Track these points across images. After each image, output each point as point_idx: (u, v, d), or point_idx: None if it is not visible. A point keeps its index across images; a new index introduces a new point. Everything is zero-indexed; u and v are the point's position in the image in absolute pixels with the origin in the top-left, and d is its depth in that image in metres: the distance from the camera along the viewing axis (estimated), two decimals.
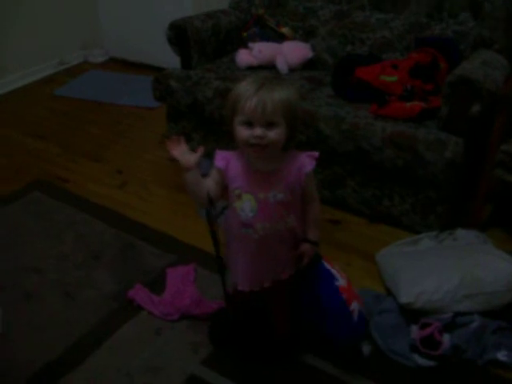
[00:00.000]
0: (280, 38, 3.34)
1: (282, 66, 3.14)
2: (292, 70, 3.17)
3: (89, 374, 2.03)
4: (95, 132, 3.81)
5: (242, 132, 1.68)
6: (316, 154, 1.79)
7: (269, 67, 3.19)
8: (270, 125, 1.65)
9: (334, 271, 2.00)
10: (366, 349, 2.08)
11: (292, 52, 3.20)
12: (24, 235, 2.76)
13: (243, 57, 3.22)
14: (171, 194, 3.09)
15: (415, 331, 2.09)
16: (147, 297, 2.31)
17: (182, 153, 1.71)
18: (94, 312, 2.30)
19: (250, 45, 3.22)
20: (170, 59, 3.64)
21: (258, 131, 1.65)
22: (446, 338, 2.05)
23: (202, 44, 3.31)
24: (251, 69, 3.18)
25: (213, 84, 2.95)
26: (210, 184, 1.79)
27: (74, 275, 2.50)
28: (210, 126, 3.12)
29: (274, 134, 1.66)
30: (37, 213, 2.92)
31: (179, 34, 3.23)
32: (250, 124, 1.67)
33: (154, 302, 2.29)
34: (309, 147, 2.69)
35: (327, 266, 1.98)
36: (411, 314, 2.16)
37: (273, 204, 1.77)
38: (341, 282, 1.98)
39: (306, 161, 1.79)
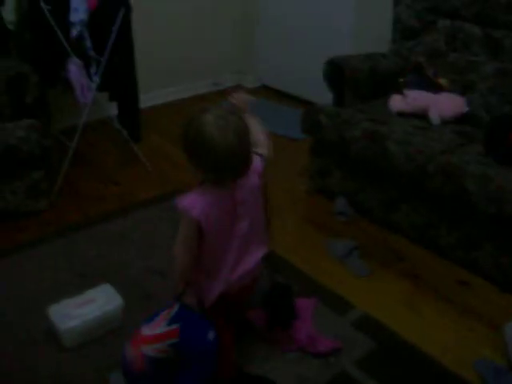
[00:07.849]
0: (435, 89, 3.28)
1: (434, 116, 3.08)
2: (444, 122, 3.10)
3: None
4: None
5: None
6: None
7: (420, 116, 3.14)
8: None
9: None
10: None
11: (447, 104, 3.13)
12: (156, 239, 2.89)
13: (397, 103, 3.21)
14: (302, 225, 3.11)
15: None
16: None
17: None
18: None
19: (405, 91, 3.19)
20: (320, 95, 3.68)
21: None
22: None
23: (357, 84, 3.34)
24: (402, 115, 3.15)
25: (362, 125, 2.95)
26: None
27: None
28: (352, 165, 3.12)
29: None
30: (170, 220, 3.02)
31: (336, 71, 3.27)
32: None
33: None
34: (448, 200, 2.65)
35: None
36: None
37: None
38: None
39: None
